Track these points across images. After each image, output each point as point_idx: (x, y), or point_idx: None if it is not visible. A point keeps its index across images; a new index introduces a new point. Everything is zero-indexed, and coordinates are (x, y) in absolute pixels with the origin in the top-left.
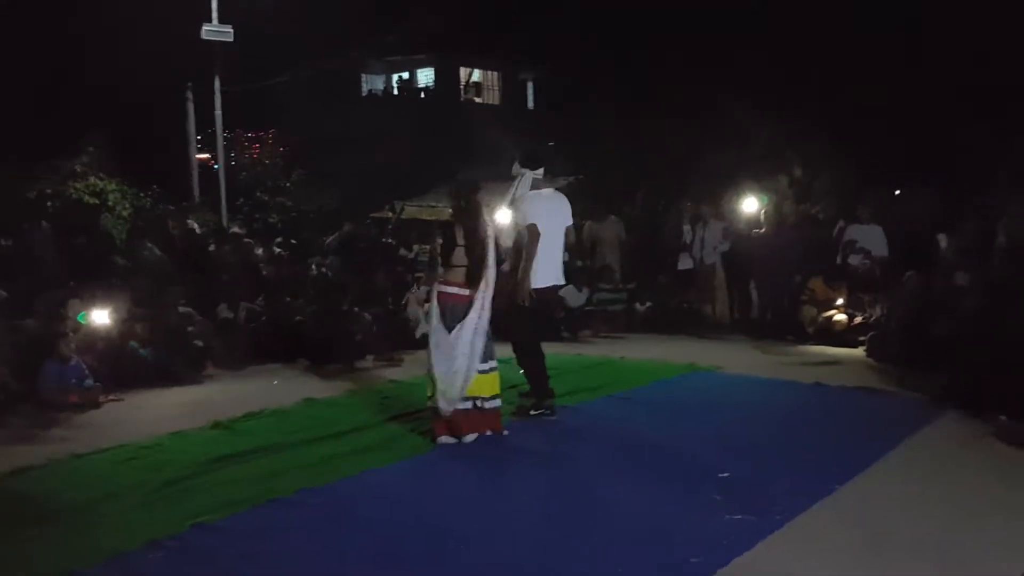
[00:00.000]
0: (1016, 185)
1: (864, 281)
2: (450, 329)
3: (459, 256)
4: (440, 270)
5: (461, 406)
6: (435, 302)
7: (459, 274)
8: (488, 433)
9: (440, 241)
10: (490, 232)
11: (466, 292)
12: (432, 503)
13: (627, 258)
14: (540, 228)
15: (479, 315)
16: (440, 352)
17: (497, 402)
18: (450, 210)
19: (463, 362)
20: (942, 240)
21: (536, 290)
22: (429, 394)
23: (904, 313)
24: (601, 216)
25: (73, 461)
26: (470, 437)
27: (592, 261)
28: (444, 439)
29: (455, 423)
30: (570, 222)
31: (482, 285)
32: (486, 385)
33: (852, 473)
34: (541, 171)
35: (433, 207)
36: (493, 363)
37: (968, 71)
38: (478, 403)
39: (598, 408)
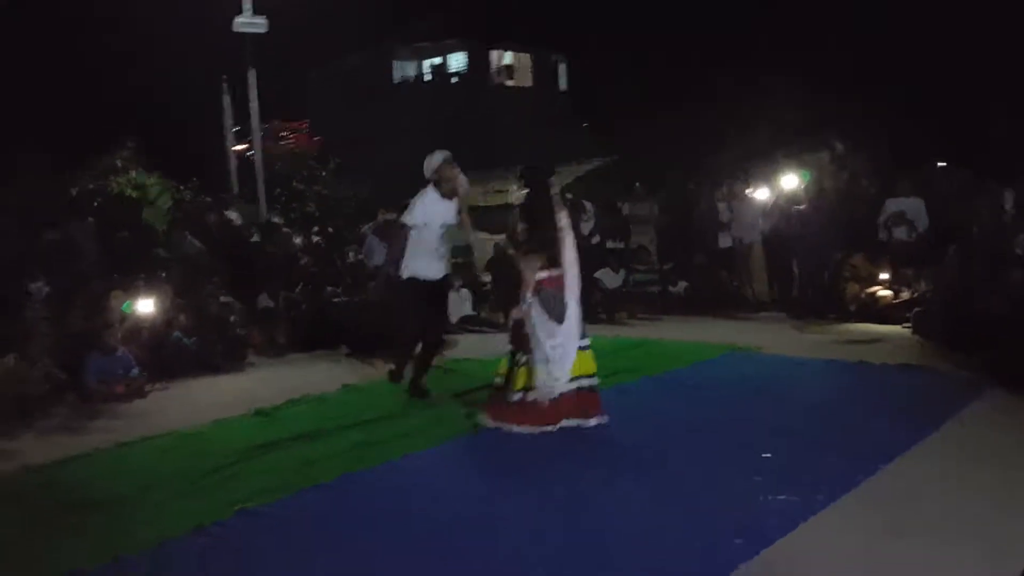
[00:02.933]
0: None
1: (907, 256)
2: (552, 315)
3: (547, 240)
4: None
5: (567, 388)
6: (533, 291)
7: (546, 258)
8: (591, 419)
9: (525, 227)
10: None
11: (558, 273)
12: (469, 487)
13: (663, 239)
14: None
15: (577, 295)
16: (544, 340)
17: (595, 380)
18: (522, 195)
19: (572, 344)
20: (1008, 199)
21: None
22: (505, 378)
23: (948, 289)
24: (636, 197)
25: (118, 450)
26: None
27: (627, 243)
28: (526, 428)
29: (553, 409)
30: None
31: (569, 263)
32: (586, 363)
33: (896, 453)
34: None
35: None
36: (587, 340)
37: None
38: (583, 383)
39: (638, 390)
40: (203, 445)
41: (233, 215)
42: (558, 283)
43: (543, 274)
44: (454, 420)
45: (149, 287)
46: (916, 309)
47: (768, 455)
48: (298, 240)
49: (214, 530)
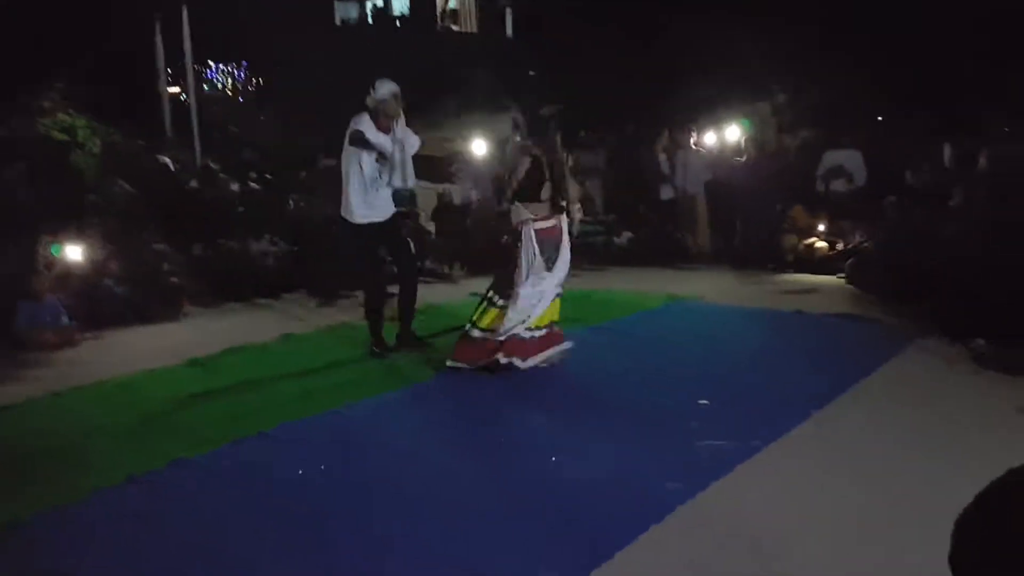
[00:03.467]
0: (1003, 114)
1: (844, 208)
2: (548, 263)
3: (547, 190)
4: (521, 207)
5: (536, 333)
6: (533, 239)
7: (545, 207)
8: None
9: (524, 178)
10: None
11: (553, 223)
12: (412, 434)
13: (607, 189)
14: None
15: (568, 245)
16: (533, 286)
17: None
18: (526, 144)
19: (552, 292)
20: (946, 150)
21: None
22: (476, 320)
23: (884, 240)
24: (582, 146)
25: (50, 399)
26: (532, 361)
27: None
28: (518, 361)
29: (520, 347)
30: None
31: (564, 214)
32: (556, 310)
33: (830, 398)
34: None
35: None
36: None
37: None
38: (554, 328)
39: (578, 340)
40: (136, 395)
41: (166, 160)
42: (555, 232)
43: (543, 223)
44: (398, 370)
45: (79, 233)
46: (851, 260)
47: (705, 402)
48: (235, 187)
49: (149, 479)
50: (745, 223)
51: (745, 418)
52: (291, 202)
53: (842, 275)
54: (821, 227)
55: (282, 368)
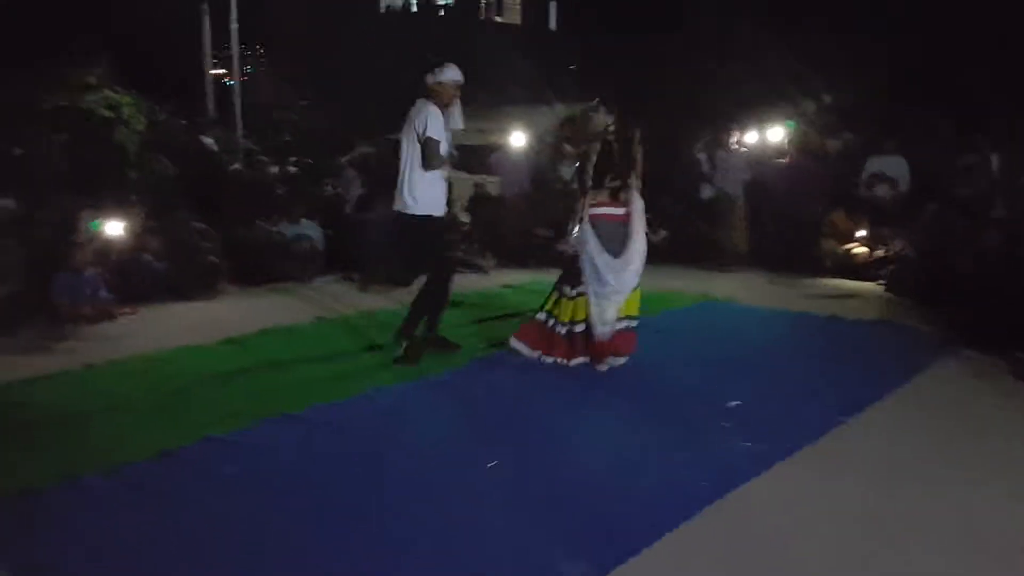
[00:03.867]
0: None
1: (886, 213)
2: (611, 251)
3: (612, 177)
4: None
5: (618, 326)
6: (590, 226)
7: (607, 193)
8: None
9: (593, 163)
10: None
11: (620, 211)
12: (437, 420)
13: (646, 186)
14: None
15: (643, 231)
16: (601, 276)
17: (635, 322)
18: (598, 129)
19: (629, 282)
20: (994, 160)
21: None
22: (550, 309)
23: (925, 247)
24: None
25: (84, 371)
26: (607, 363)
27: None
28: (556, 359)
29: (603, 346)
30: (422, 134)
31: (636, 202)
32: (634, 304)
33: (864, 405)
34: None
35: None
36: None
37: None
38: (625, 324)
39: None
40: (170, 370)
41: (209, 141)
42: (619, 219)
43: (603, 210)
44: (429, 357)
45: (120, 208)
46: (891, 267)
47: (737, 402)
48: (274, 170)
49: (177, 454)
50: (783, 225)
51: (777, 421)
52: (329, 187)
53: (881, 282)
54: (861, 232)
55: (314, 350)
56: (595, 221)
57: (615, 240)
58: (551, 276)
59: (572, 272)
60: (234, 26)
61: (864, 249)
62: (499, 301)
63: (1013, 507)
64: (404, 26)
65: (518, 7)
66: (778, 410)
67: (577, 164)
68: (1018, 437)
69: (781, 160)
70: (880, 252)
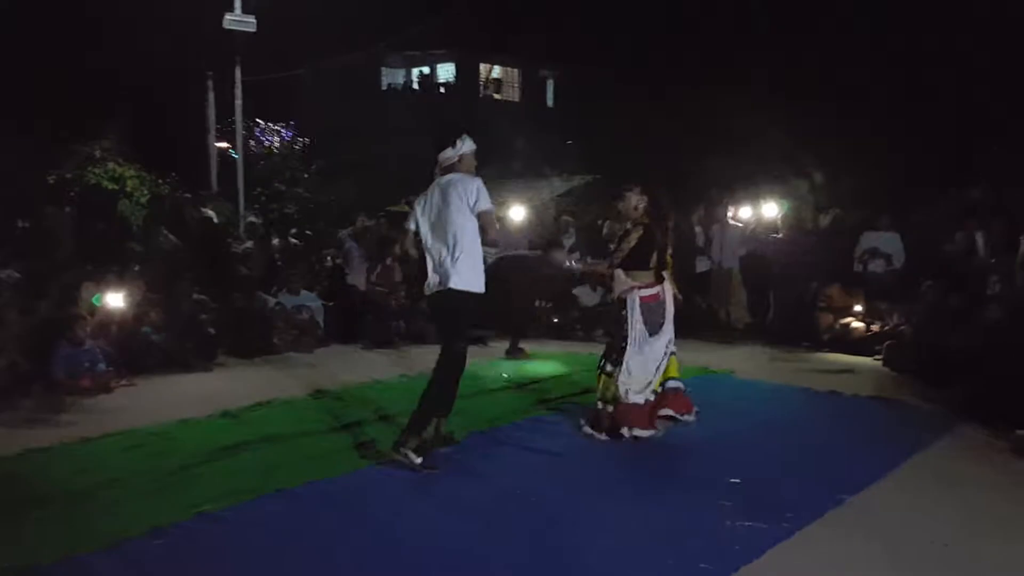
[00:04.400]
0: None
1: (882, 289)
2: (651, 331)
3: (654, 258)
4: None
5: (648, 396)
6: (637, 307)
7: (650, 275)
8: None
9: (635, 247)
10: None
11: (656, 291)
12: (435, 499)
13: None
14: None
15: (672, 310)
16: (642, 352)
17: (680, 383)
18: (638, 210)
19: (664, 352)
20: (979, 238)
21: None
22: (601, 396)
23: (922, 323)
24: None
25: (81, 445)
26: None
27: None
28: (638, 432)
29: (638, 415)
30: (476, 208)
31: (668, 281)
32: (672, 367)
33: (864, 483)
34: (448, 153)
35: None
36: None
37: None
38: (672, 384)
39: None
40: (167, 445)
41: (210, 213)
42: (659, 298)
43: (649, 291)
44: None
45: (121, 281)
46: (888, 342)
47: (736, 480)
48: (275, 242)
49: (173, 531)
50: (779, 299)
51: (777, 499)
52: (328, 259)
53: (878, 356)
54: (858, 307)
55: (312, 424)
56: (643, 304)
57: (655, 316)
58: (550, 347)
59: (611, 348)
60: (238, 101)
61: (861, 324)
62: (489, 372)
63: None
64: (405, 103)
65: (516, 85)
66: (778, 488)
67: (616, 239)
68: (1019, 519)
69: (775, 235)
70: (876, 327)
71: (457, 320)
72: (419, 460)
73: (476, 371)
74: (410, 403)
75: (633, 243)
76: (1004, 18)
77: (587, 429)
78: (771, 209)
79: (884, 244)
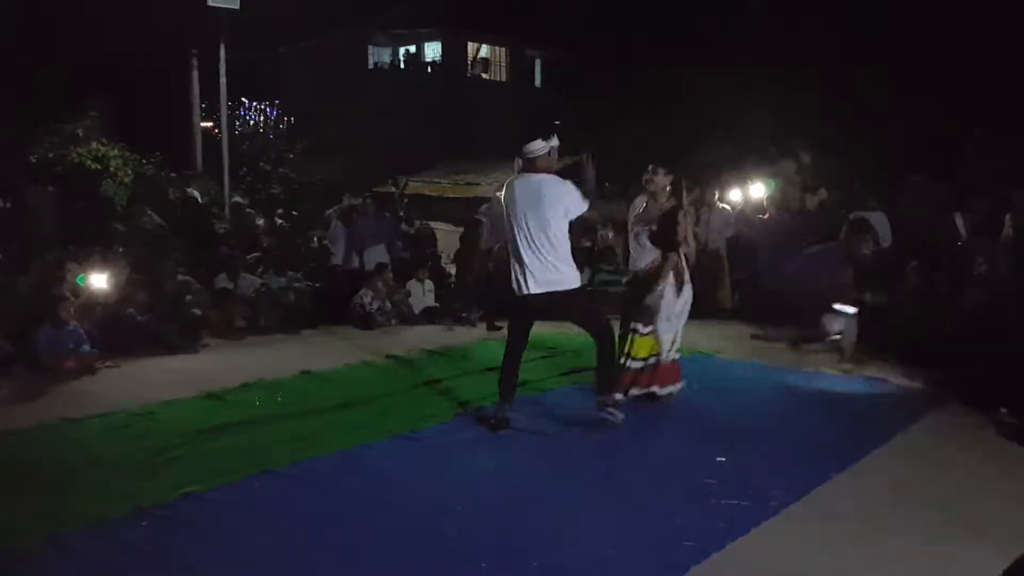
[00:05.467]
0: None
1: (868, 270)
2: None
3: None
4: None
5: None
6: (673, 278)
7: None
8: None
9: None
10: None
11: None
12: (422, 479)
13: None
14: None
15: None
16: (671, 317)
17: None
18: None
19: (684, 313)
20: (958, 220)
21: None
22: (632, 352)
23: (908, 303)
24: (606, 197)
25: (64, 426)
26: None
27: (595, 243)
28: (670, 388)
29: (667, 374)
30: (570, 214)
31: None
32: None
33: (849, 462)
34: (532, 149)
35: (437, 183)
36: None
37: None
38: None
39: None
40: (151, 426)
41: (195, 193)
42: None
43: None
44: (407, 410)
45: (105, 261)
46: (874, 322)
47: (722, 459)
48: (260, 222)
49: (157, 512)
50: (765, 280)
51: (763, 477)
52: (314, 239)
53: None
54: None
55: (298, 405)
56: (678, 276)
57: (680, 280)
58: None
59: (643, 313)
60: (223, 80)
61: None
62: (480, 352)
63: (1002, 564)
64: (392, 82)
65: (504, 65)
66: (763, 466)
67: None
68: (1003, 495)
69: (761, 216)
70: (862, 307)
71: (583, 311)
72: (622, 416)
73: (465, 351)
74: (395, 384)
75: (680, 222)
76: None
77: (609, 397)
78: (758, 190)
79: (872, 223)
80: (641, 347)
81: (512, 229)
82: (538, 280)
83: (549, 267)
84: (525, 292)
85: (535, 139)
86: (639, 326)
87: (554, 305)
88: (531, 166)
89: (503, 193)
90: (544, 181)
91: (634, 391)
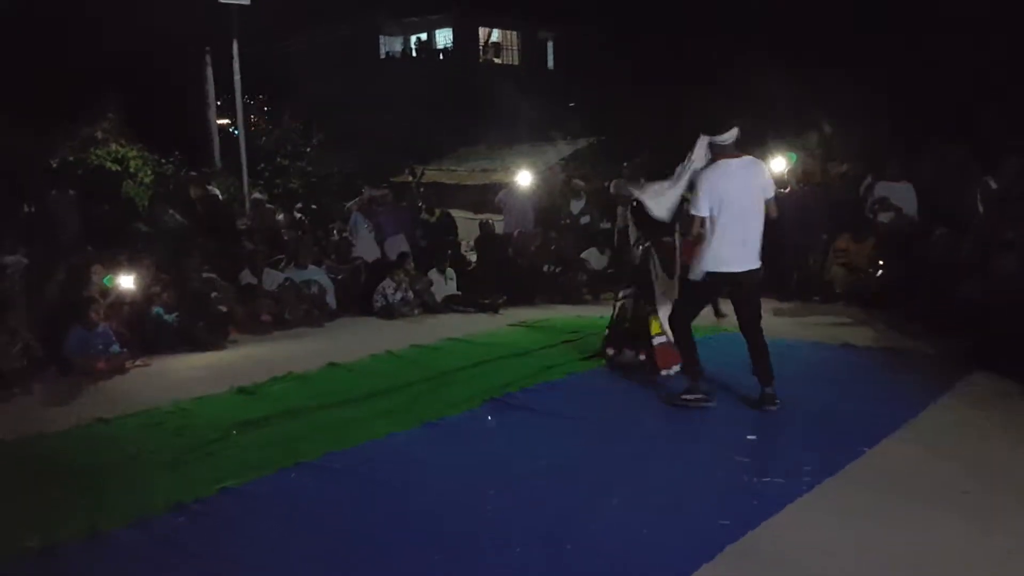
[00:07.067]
0: None
1: (894, 239)
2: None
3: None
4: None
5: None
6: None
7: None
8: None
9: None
10: None
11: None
12: (453, 465)
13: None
14: (720, 207)
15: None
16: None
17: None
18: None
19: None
20: (991, 183)
21: (713, 274)
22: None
23: (935, 272)
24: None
25: (98, 426)
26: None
27: (614, 223)
28: (675, 369)
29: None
30: (769, 194)
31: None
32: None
33: (881, 436)
34: (728, 136)
35: (453, 171)
36: None
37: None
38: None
39: (622, 370)
40: (184, 422)
41: (215, 190)
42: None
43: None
44: (435, 398)
45: (130, 262)
46: (901, 292)
47: (753, 437)
48: (280, 216)
49: (195, 507)
50: (789, 253)
51: (794, 454)
52: (334, 231)
53: (892, 307)
54: (869, 258)
55: (327, 396)
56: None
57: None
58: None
59: (649, 292)
60: (237, 76)
61: (873, 275)
62: (506, 339)
63: None
64: (405, 71)
65: (516, 49)
66: (794, 443)
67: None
68: None
69: (782, 190)
70: (889, 277)
71: (759, 292)
72: (779, 402)
73: (490, 338)
74: (421, 372)
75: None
76: None
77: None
78: (779, 164)
79: (897, 195)
80: (654, 326)
81: (729, 210)
82: (746, 260)
83: (753, 247)
84: (726, 270)
85: (729, 129)
86: (647, 307)
87: (746, 281)
88: (728, 151)
89: (712, 174)
90: (752, 163)
91: (672, 369)
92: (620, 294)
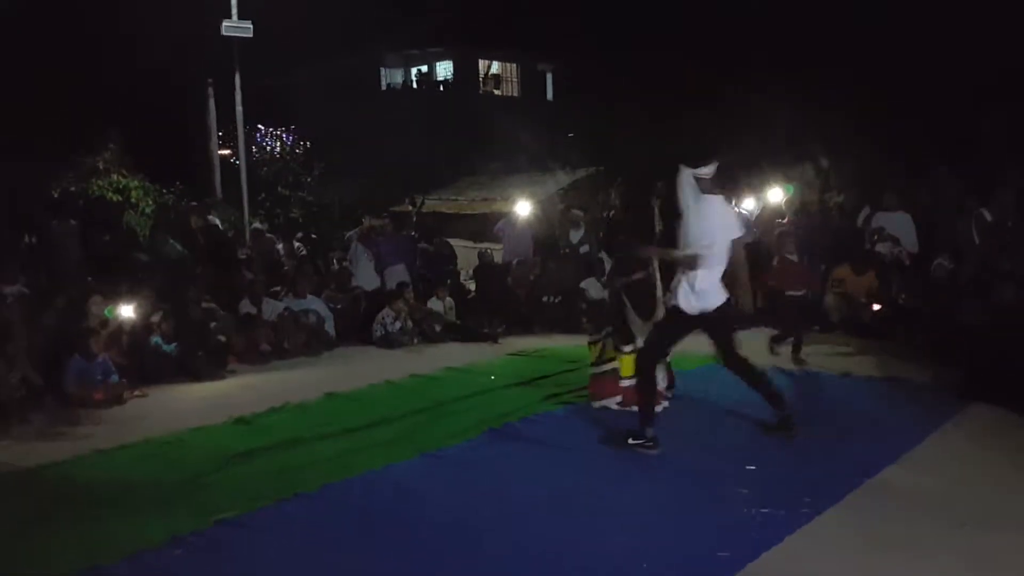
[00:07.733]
0: None
1: (892, 269)
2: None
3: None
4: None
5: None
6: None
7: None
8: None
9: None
10: None
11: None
12: (452, 496)
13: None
14: (711, 242)
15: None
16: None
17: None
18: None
19: None
20: (986, 214)
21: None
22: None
23: (935, 302)
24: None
25: (96, 457)
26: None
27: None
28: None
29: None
30: (740, 233)
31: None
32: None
33: (881, 465)
34: (708, 171)
35: (454, 200)
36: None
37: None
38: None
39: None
40: (182, 453)
41: (216, 220)
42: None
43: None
44: (433, 429)
45: (130, 291)
46: (901, 323)
47: (752, 467)
48: (280, 246)
49: (191, 540)
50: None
51: (794, 485)
52: (334, 261)
53: (890, 337)
54: (867, 288)
55: (326, 427)
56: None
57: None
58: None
59: (623, 332)
60: (239, 108)
61: (872, 305)
62: (505, 369)
63: None
64: (405, 102)
65: (516, 80)
66: (794, 474)
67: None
68: None
69: (780, 221)
70: (888, 307)
71: (732, 325)
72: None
73: (489, 368)
74: (420, 402)
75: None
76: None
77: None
78: (776, 194)
79: (894, 225)
80: (627, 366)
81: (711, 245)
82: (721, 294)
83: (718, 283)
84: (703, 306)
85: (710, 164)
86: (621, 346)
87: (718, 318)
88: (710, 185)
89: (701, 206)
90: (724, 202)
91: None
92: (603, 332)
